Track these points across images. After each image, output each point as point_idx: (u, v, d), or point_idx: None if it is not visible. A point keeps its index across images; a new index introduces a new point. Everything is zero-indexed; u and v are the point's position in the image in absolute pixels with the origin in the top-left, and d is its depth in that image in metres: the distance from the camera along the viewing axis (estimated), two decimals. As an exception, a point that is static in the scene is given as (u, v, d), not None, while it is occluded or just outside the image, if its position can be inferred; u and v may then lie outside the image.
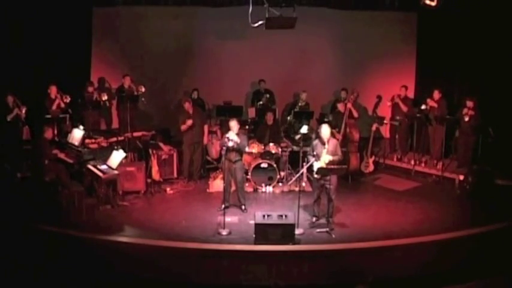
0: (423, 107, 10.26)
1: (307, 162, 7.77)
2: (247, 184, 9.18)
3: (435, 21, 10.84)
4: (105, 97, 10.53)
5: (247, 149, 8.82)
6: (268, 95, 11.41)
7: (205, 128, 9.91)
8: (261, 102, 11.40)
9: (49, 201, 8.11)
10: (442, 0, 8.74)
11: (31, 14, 10.12)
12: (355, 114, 10.10)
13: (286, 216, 7.20)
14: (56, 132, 9.41)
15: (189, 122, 9.52)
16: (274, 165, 9.44)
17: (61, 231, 7.28)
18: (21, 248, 7.05)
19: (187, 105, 9.65)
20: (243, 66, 11.87)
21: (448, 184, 9.73)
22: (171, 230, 7.62)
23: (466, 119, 9.69)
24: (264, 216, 7.21)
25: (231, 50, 11.78)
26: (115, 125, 11.27)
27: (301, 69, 11.91)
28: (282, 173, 9.80)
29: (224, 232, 7.46)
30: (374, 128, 10.38)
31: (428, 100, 10.24)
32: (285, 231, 7.08)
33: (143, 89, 10.49)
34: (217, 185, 9.35)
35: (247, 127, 10.53)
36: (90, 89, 10.64)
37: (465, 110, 9.71)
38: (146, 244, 7.13)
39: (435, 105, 10.18)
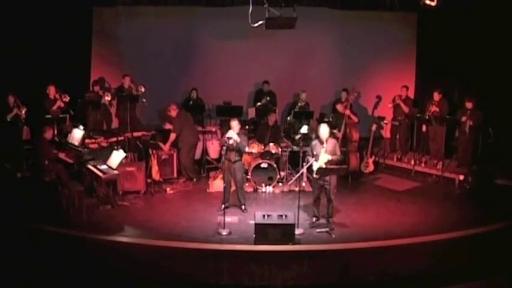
0: (426, 116, 10.15)
1: (307, 163, 7.77)
2: (247, 184, 9.18)
3: (435, 21, 10.84)
4: (108, 97, 10.58)
5: (247, 149, 8.81)
6: (268, 98, 11.39)
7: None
8: (259, 104, 11.42)
9: (49, 201, 8.12)
10: (442, 0, 8.75)
11: (31, 14, 10.11)
12: (355, 119, 10.07)
13: (286, 216, 7.20)
14: (56, 132, 9.41)
15: (167, 126, 10.04)
16: (274, 165, 9.44)
17: (61, 231, 7.27)
18: (21, 248, 7.04)
19: (171, 112, 9.85)
20: (242, 66, 11.85)
21: (448, 184, 9.72)
22: (171, 230, 7.61)
23: (464, 119, 9.70)
24: (264, 216, 7.20)
25: (231, 50, 11.76)
26: (115, 125, 11.28)
27: (301, 69, 11.89)
28: (282, 173, 9.80)
29: (224, 232, 7.46)
30: (374, 128, 10.38)
31: (431, 107, 10.15)
32: (285, 231, 7.07)
33: (143, 89, 10.50)
34: (217, 185, 9.35)
35: (247, 127, 10.53)
36: (96, 88, 10.70)
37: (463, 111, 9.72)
38: (146, 244, 7.12)
39: (437, 109, 10.11)
